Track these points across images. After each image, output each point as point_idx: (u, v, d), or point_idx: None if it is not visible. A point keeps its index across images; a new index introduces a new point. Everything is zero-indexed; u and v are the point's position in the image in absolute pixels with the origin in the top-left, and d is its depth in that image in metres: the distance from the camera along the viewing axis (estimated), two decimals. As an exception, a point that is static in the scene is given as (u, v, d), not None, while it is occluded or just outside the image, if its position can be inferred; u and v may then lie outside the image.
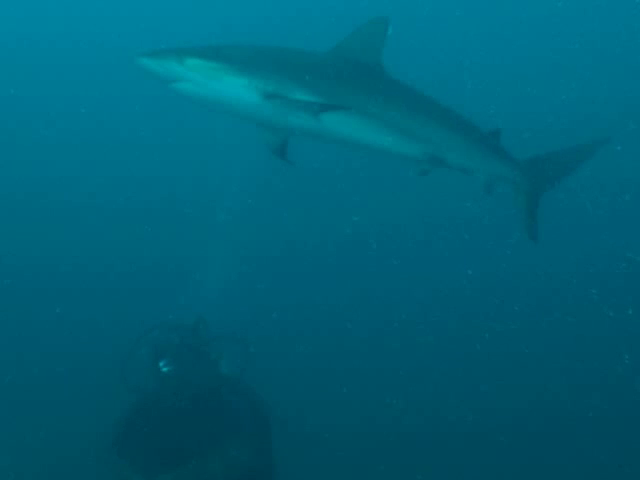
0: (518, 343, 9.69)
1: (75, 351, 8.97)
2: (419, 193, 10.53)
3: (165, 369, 4.70)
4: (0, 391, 8.22)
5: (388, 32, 5.24)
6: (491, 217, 10.02)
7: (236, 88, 4.80)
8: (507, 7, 14.33)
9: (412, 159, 5.35)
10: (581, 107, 12.64)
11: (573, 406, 8.72)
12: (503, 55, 14.43)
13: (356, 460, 7.91)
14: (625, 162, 11.17)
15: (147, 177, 13.15)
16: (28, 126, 13.72)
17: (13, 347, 8.95)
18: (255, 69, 4.83)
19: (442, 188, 8.35)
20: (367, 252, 11.75)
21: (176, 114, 10.59)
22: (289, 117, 4.93)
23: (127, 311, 8.77)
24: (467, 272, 10.90)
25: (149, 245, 11.50)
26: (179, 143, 13.15)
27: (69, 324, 9.49)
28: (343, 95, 5.04)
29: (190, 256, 9.13)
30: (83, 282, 10.84)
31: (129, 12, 14.75)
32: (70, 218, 12.23)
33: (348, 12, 9.25)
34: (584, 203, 10.95)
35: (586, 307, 9.90)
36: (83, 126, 13.78)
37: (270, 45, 5.25)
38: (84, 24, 14.70)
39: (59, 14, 14.74)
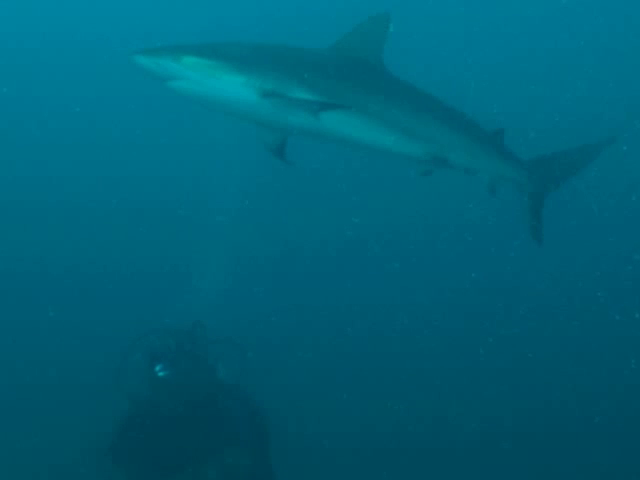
0: (522, 347, 9.65)
1: (69, 355, 8.95)
2: (421, 194, 10.49)
3: (161, 374, 4.64)
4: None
5: (389, 29, 5.20)
6: (495, 218, 9.96)
7: (234, 86, 4.74)
8: (511, 4, 14.31)
9: (414, 159, 5.31)
10: (587, 106, 12.63)
11: (579, 411, 8.68)
12: (507, 53, 14.42)
13: (357, 467, 7.89)
14: (631, 162, 11.15)
15: (143, 178, 13.15)
16: (21, 125, 13.73)
17: (6, 351, 8.92)
18: (253, 67, 4.77)
19: (445, 189, 8.31)
20: (368, 254, 11.72)
21: (173, 113, 10.53)
22: (288, 116, 4.87)
23: (122, 315, 8.76)
24: (470, 275, 10.86)
25: (145, 247, 11.52)
26: (176, 143, 13.14)
27: (63, 328, 9.46)
28: (343, 93, 4.99)
29: (187, 258, 9.09)
30: (77, 285, 10.85)
31: (125, 10, 14.73)
32: (64, 219, 12.26)
33: (348, 9, 9.18)
34: (590, 204, 10.93)
35: (592, 310, 9.86)
36: (77, 125, 13.78)
37: (269, 42, 5.19)
38: (78, 22, 14.69)
39: (53, 12, 14.72)
